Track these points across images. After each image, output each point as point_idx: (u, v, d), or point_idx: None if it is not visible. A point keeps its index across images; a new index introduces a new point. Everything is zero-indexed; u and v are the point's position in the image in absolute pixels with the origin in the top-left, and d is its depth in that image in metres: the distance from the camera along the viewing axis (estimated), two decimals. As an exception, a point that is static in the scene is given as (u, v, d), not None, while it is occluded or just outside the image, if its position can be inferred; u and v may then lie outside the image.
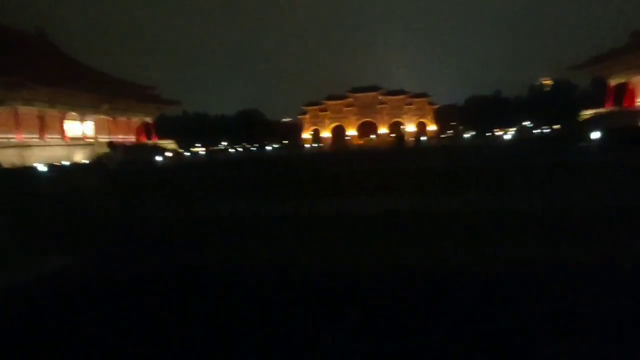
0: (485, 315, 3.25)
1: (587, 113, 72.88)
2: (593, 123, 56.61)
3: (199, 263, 5.31)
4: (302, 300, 3.89)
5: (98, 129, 71.09)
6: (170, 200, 12.20)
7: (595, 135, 29.31)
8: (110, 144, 21.28)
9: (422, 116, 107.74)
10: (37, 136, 56.80)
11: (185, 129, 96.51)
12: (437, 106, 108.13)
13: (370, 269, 4.64)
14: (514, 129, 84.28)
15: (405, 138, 60.62)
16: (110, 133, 73.60)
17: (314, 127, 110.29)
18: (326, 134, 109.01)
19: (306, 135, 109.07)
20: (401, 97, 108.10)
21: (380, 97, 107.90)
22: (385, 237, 6.05)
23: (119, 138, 75.34)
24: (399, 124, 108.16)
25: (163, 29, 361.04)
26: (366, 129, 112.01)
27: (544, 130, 77.25)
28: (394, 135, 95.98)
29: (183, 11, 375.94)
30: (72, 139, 63.81)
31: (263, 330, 3.32)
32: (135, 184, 18.52)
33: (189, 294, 4.20)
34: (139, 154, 59.61)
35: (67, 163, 45.92)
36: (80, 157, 57.09)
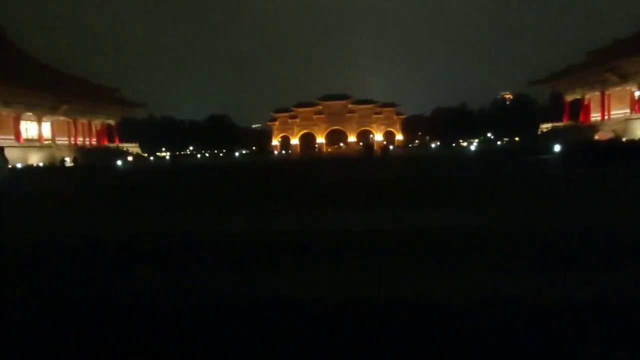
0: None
1: (546, 126, 76.18)
2: (551, 136, 59.22)
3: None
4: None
5: (57, 131, 68.05)
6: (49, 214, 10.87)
7: (556, 148, 30.49)
8: None
9: (390, 125, 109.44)
10: (-11, 137, 53.78)
11: (151, 133, 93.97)
12: (404, 116, 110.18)
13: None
14: (477, 140, 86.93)
15: (374, 147, 61.25)
16: (70, 135, 70.68)
17: (283, 134, 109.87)
18: (295, 141, 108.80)
19: (275, 142, 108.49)
20: (370, 106, 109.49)
21: (349, 106, 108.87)
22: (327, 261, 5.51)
23: (79, 140, 72.47)
24: (368, 132, 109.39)
25: (131, 30, 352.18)
26: (335, 137, 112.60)
27: (504, 142, 79.99)
28: (362, 144, 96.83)
29: (153, 14, 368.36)
30: (28, 140, 60.80)
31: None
32: (22, 196, 16.59)
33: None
34: (97, 157, 57.41)
35: (19, 166, 43.55)
36: (36, 159, 54.39)
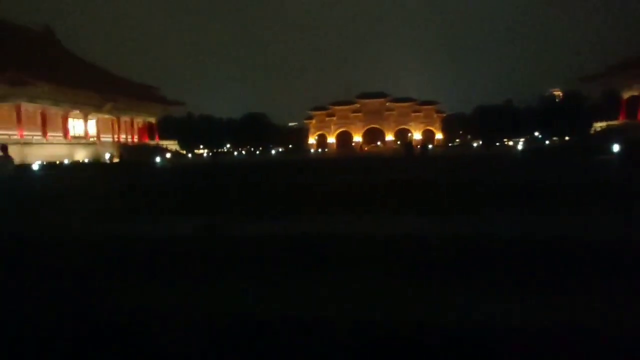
0: None
1: (600, 125, 71.52)
2: (607, 136, 55.15)
3: None
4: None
5: (101, 128, 70.39)
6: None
7: (614, 148, 27.94)
8: (1, 147, 17.58)
9: (430, 124, 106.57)
10: (39, 134, 56.06)
11: (189, 131, 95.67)
12: (444, 114, 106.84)
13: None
14: (523, 139, 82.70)
15: (413, 146, 59.24)
16: (113, 132, 72.96)
17: (320, 132, 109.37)
18: (332, 139, 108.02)
19: (312, 140, 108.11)
20: (408, 104, 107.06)
21: (387, 104, 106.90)
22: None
23: (122, 137, 74.72)
24: (406, 131, 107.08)
25: (171, 30, 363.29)
26: (372, 135, 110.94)
27: (554, 141, 75.68)
28: (401, 142, 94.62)
29: (191, 13, 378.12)
30: (75, 137, 63.11)
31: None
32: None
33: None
34: (139, 154, 58.79)
35: (66, 162, 45.02)
36: (82, 156, 56.27)
